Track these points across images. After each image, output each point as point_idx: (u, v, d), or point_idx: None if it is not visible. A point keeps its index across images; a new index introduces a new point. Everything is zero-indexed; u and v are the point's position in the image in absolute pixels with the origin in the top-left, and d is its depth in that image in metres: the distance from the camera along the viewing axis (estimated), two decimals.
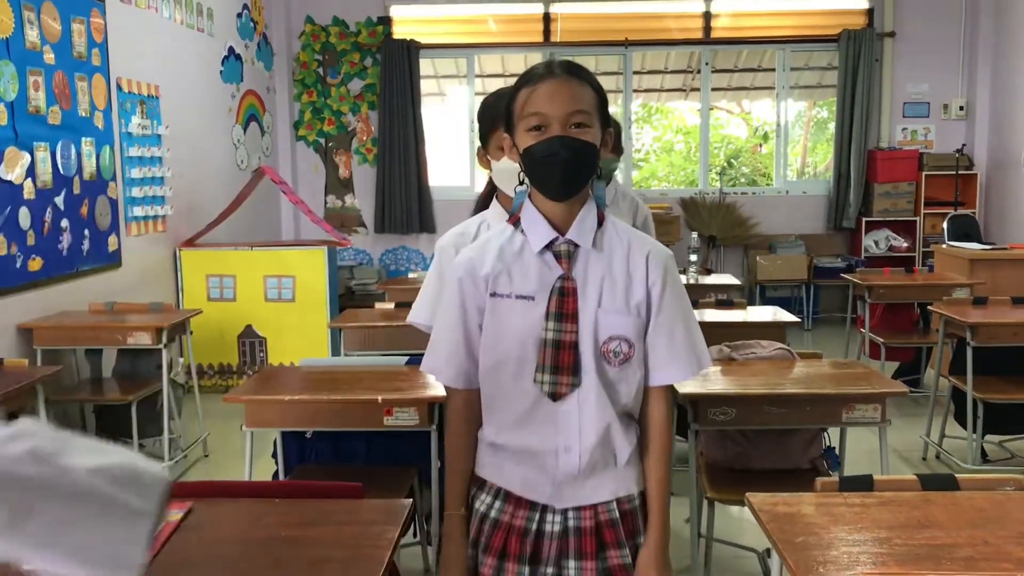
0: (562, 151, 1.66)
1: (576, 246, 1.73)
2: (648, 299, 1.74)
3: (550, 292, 1.72)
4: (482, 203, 2.51)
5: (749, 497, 1.87)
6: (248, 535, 1.75)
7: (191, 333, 4.87)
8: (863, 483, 1.93)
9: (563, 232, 1.73)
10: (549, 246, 1.74)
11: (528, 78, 1.72)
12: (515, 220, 1.79)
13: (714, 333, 3.95)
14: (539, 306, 1.71)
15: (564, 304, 1.71)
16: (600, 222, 1.76)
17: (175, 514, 1.81)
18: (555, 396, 1.71)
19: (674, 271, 1.78)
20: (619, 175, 4.90)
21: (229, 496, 1.91)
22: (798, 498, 1.86)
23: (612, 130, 1.78)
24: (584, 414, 1.72)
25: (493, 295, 1.75)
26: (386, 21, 8.45)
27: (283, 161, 8.46)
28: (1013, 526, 1.72)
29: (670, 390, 1.82)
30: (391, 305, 4.66)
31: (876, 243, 8.28)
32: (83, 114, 4.94)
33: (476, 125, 3.97)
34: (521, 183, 1.77)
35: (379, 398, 2.78)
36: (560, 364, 1.70)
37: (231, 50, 7.22)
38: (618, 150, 3.54)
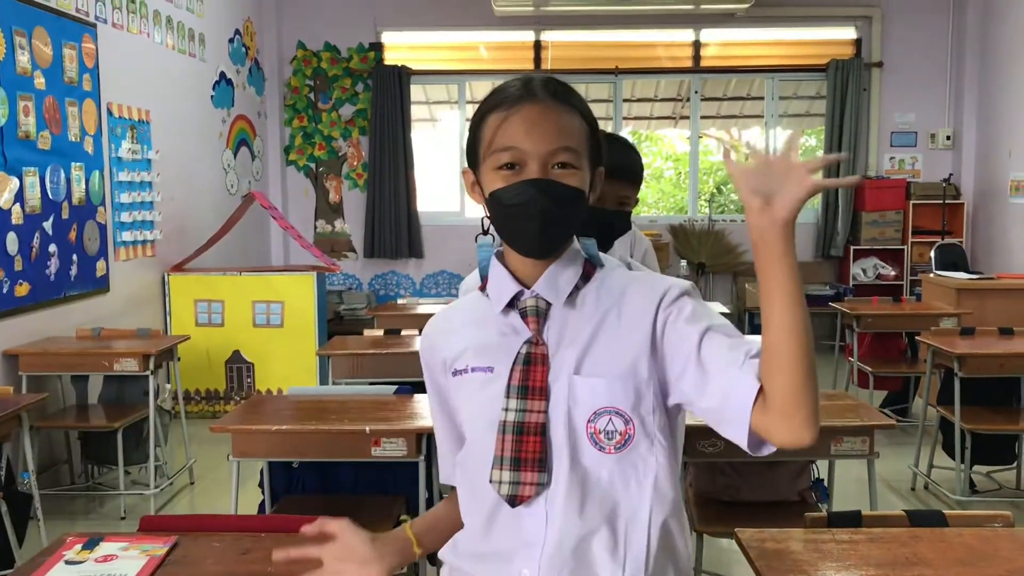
0: (540, 199, 1.27)
1: (548, 303, 1.34)
2: (653, 338, 1.30)
3: (513, 360, 1.31)
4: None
5: (738, 533, 1.86)
6: (234, 570, 1.73)
7: (178, 359, 4.85)
8: (851, 519, 1.92)
9: (530, 286, 1.35)
10: (513, 303, 1.35)
11: (500, 100, 1.33)
12: (485, 286, 1.41)
13: None
14: (499, 379, 1.31)
15: (531, 375, 1.30)
16: (587, 277, 1.37)
17: (160, 548, 1.79)
18: (514, 500, 1.28)
19: (688, 302, 1.31)
20: None
21: (215, 530, 1.89)
22: (786, 534, 1.86)
23: (603, 169, 1.39)
24: (551, 526, 1.27)
25: (455, 373, 1.38)
26: (378, 47, 8.49)
27: (273, 186, 8.46)
28: (1001, 564, 1.71)
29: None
30: (380, 331, 4.65)
31: (864, 271, 8.31)
32: (73, 139, 4.94)
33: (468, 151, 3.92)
34: (485, 232, 1.38)
35: (367, 428, 2.77)
36: (523, 456, 1.27)
37: (222, 75, 7.24)
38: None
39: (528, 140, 1.29)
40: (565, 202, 1.29)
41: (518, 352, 1.32)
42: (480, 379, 1.34)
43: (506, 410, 1.29)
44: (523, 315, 1.34)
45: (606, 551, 1.27)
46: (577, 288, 1.35)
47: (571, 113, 1.32)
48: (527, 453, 1.27)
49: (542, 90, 1.32)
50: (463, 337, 1.39)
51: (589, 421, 1.27)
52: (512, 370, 1.31)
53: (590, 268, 1.38)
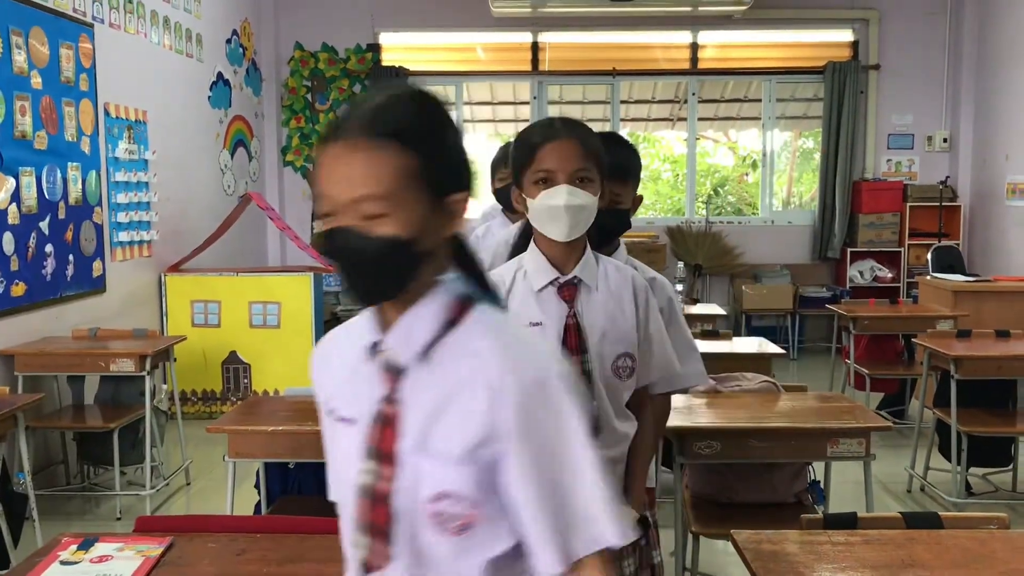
0: (338, 254, 1.16)
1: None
2: (494, 429, 1.15)
3: (372, 418, 1.21)
4: (519, 245, 2.10)
5: (734, 534, 1.86)
6: (229, 571, 1.73)
7: (175, 360, 4.85)
8: (847, 521, 1.92)
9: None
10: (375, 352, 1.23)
11: (324, 131, 1.20)
12: None
13: None
14: (359, 435, 1.21)
15: (382, 437, 1.19)
16: (454, 323, 1.20)
17: (156, 549, 1.79)
18: (367, 567, 1.22)
19: (552, 397, 1.16)
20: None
21: (210, 531, 1.89)
22: (782, 535, 1.86)
23: (458, 197, 1.21)
24: None
25: (327, 411, 1.30)
26: (375, 48, 8.48)
27: (270, 187, 8.45)
28: (997, 566, 1.72)
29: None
30: None
31: (861, 273, 8.32)
32: (70, 139, 4.93)
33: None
34: None
35: None
36: (373, 522, 1.20)
37: (219, 75, 7.23)
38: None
39: (331, 187, 1.15)
40: (366, 254, 1.14)
41: (374, 409, 1.21)
42: (343, 430, 1.24)
43: (362, 472, 1.20)
44: (385, 369, 1.22)
45: None
46: (439, 337, 1.20)
47: (385, 150, 1.13)
48: (377, 521, 1.19)
49: (354, 123, 1.16)
50: (340, 374, 1.28)
51: (431, 501, 1.16)
52: (370, 428, 1.21)
53: (458, 312, 1.21)
